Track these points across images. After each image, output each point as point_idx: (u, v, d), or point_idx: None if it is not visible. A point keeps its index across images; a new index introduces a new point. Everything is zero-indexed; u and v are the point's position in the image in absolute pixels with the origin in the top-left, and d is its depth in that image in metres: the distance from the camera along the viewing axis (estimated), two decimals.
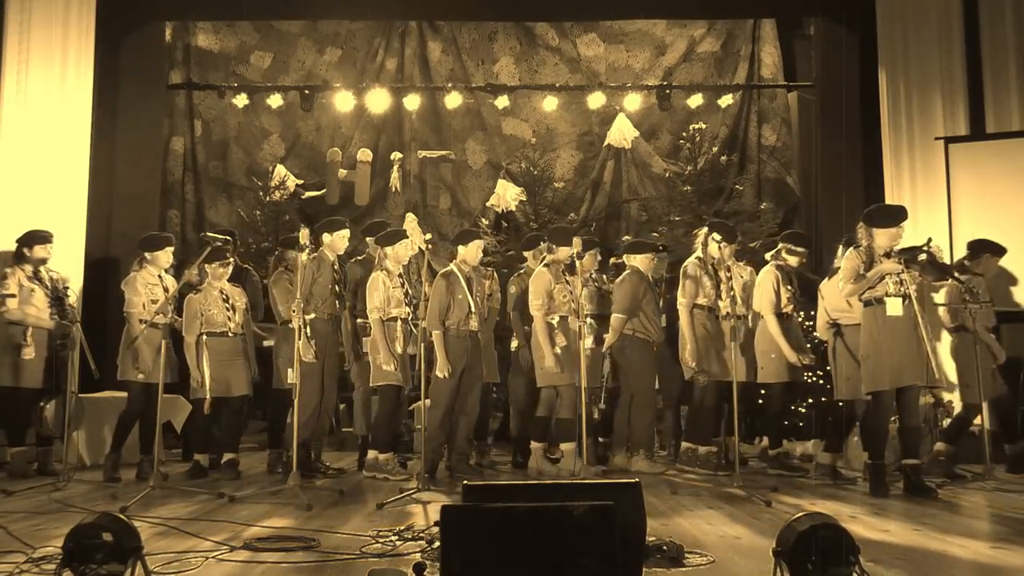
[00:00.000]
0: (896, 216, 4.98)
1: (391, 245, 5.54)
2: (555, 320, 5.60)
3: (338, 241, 5.70)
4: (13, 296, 5.56)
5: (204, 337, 5.52)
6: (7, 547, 3.29)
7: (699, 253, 5.73)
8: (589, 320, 5.60)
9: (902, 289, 4.81)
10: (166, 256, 5.65)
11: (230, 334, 5.61)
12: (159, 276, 5.65)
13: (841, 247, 5.35)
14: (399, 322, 5.47)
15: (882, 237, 4.88)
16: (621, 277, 5.91)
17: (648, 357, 5.83)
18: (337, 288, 5.69)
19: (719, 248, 5.58)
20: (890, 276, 4.81)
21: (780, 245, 5.90)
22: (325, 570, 3.05)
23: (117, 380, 5.62)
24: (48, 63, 7.04)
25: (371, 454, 5.55)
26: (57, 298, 5.77)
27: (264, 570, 3.05)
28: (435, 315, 5.44)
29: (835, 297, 5.22)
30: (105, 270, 7.38)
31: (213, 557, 3.20)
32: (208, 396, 5.46)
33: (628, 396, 5.84)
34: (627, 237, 8.96)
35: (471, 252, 5.63)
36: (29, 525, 3.84)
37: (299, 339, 4.78)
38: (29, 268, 5.72)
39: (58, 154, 6.94)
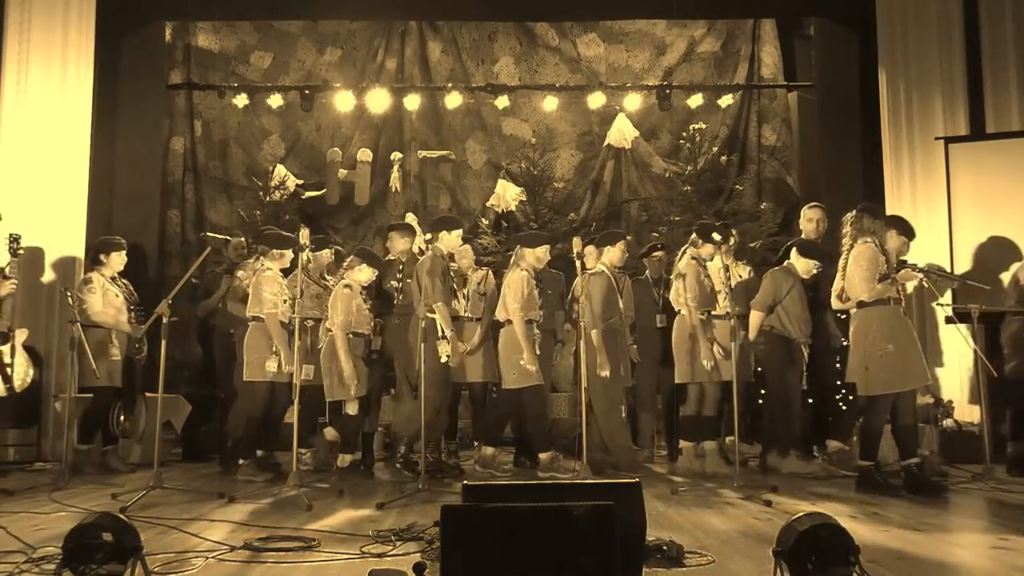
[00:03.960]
0: (912, 231, 5.19)
1: (533, 247, 5.61)
2: (705, 315, 5.62)
3: (454, 240, 5.76)
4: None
5: (350, 336, 5.52)
6: (7, 547, 3.29)
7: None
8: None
9: (901, 294, 4.95)
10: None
11: (364, 335, 5.63)
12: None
13: None
14: (534, 324, 5.53)
15: (896, 241, 5.01)
16: (768, 272, 5.84)
17: (786, 354, 5.67)
18: (454, 287, 5.81)
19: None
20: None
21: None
22: (325, 570, 3.05)
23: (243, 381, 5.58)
24: (48, 63, 7.02)
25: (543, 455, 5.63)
26: (133, 302, 5.94)
27: (264, 570, 3.05)
28: (597, 315, 5.54)
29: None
30: None
31: (213, 557, 3.20)
32: (354, 396, 5.45)
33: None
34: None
35: (616, 254, 5.71)
36: (29, 525, 3.84)
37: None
38: (107, 273, 5.89)
39: (58, 154, 6.93)
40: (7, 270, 5.29)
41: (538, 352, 5.54)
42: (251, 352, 5.48)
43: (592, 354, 5.51)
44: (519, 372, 5.48)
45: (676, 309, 5.75)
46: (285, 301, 5.49)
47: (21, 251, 5.35)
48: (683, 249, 5.81)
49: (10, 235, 5.30)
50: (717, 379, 5.60)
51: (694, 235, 5.82)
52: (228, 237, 6.09)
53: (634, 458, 5.77)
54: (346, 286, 5.50)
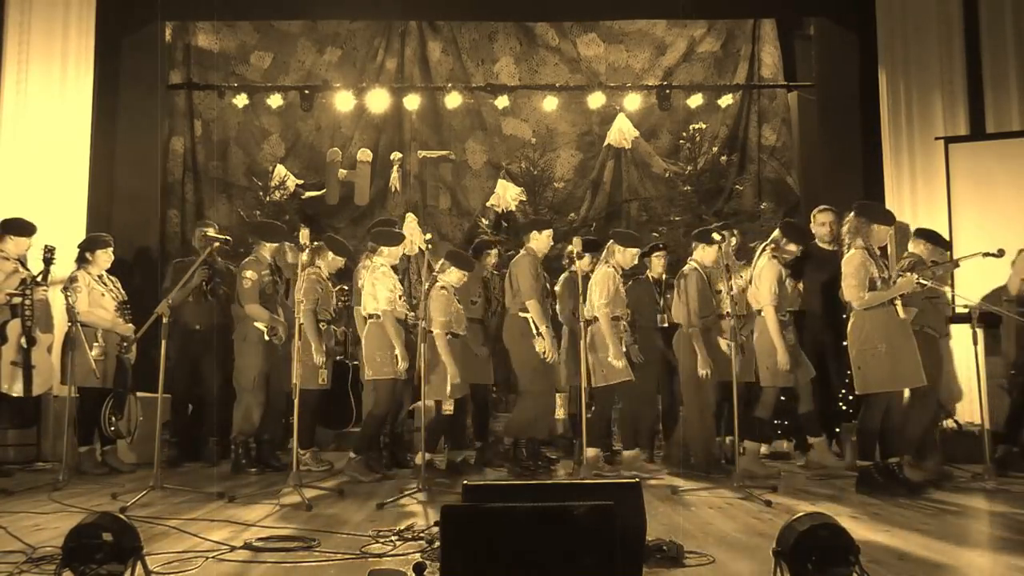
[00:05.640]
0: (891, 215, 5.09)
1: (625, 246, 5.65)
2: (786, 316, 5.56)
3: (544, 239, 5.86)
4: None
5: (449, 336, 5.50)
6: (7, 547, 3.29)
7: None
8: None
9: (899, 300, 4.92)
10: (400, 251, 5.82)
11: (461, 336, 5.62)
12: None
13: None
14: (621, 321, 5.55)
15: (881, 233, 4.96)
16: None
17: (928, 352, 5.38)
18: (548, 286, 5.88)
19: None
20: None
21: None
22: (325, 570, 3.05)
23: (365, 379, 5.63)
24: (48, 63, 7.03)
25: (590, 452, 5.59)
26: (122, 301, 5.93)
27: (264, 570, 3.05)
28: (695, 314, 5.52)
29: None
30: None
31: (213, 557, 3.20)
32: (453, 396, 5.46)
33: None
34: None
35: (711, 253, 5.66)
36: (29, 525, 3.84)
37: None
38: (95, 271, 5.87)
39: (58, 154, 6.93)
40: (39, 278, 5.49)
41: (624, 348, 5.53)
42: (372, 350, 5.50)
43: (688, 352, 5.52)
44: (608, 368, 5.49)
45: (755, 310, 5.61)
46: (401, 297, 5.56)
47: (54, 262, 5.49)
48: (762, 247, 5.63)
49: (45, 246, 5.48)
50: (793, 383, 5.59)
51: (777, 232, 5.68)
52: (228, 237, 6.07)
53: (714, 459, 5.62)
54: (442, 288, 5.53)
